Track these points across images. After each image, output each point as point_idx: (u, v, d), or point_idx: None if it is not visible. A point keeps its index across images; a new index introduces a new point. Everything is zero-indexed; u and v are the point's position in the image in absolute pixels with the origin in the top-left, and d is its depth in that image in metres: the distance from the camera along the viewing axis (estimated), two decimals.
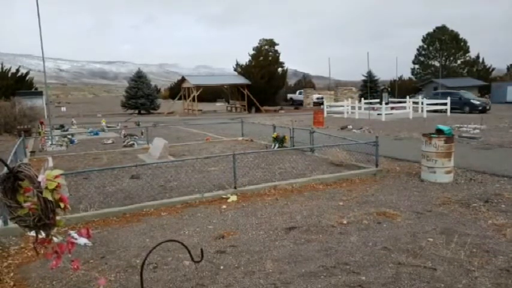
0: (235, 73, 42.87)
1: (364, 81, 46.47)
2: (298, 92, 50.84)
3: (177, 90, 53.94)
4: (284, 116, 30.59)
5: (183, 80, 45.26)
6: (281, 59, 42.72)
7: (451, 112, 26.08)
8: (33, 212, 2.38)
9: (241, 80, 39.39)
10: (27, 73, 38.75)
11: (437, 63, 53.79)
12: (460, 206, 6.31)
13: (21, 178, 2.39)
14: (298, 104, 46.22)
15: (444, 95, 29.18)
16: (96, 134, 18.44)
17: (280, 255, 4.59)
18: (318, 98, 43.59)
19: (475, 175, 8.47)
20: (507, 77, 50.67)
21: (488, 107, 28.08)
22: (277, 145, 12.50)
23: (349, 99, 33.85)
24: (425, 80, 49.32)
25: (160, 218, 6.14)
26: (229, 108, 42.24)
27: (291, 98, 50.08)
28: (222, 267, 4.33)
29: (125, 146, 14.36)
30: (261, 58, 41.14)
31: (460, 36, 53.34)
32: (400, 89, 44.46)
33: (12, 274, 4.34)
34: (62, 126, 21.68)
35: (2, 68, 36.86)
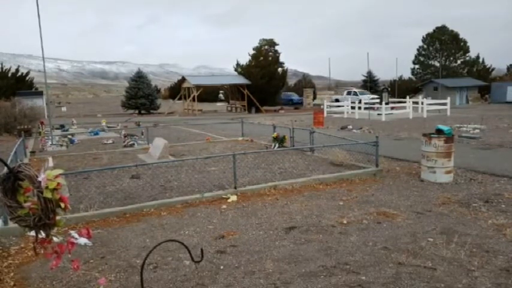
0: (235, 73, 42.86)
1: (364, 81, 46.52)
2: (346, 91, 42.34)
3: (177, 90, 53.90)
4: (284, 116, 30.59)
5: (183, 80, 45.28)
6: (281, 59, 42.90)
7: None
8: (33, 212, 2.38)
9: (241, 80, 39.37)
10: (27, 73, 38.85)
11: (437, 63, 53.82)
12: (460, 206, 6.31)
13: (21, 178, 2.39)
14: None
15: None
16: (96, 134, 18.43)
17: (280, 255, 4.60)
18: (372, 99, 33.07)
19: (475, 175, 8.46)
20: (507, 77, 50.65)
21: None
22: (277, 145, 12.50)
23: (349, 99, 33.87)
24: (425, 80, 49.37)
25: (161, 218, 6.14)
26: (229, 108, 42.21)
27: (336, 100, 40.16)
28: (222, 267, 4.33)
29: (125, 146, 14.36)
30: (261, 58, 41.14)
31: (460, 36, 53.39)
32: (400, 89, 44.52)
33: (12, 274, 4.34)
34: (62, 126, 21.70)
35: (2, 68, 36.93)
